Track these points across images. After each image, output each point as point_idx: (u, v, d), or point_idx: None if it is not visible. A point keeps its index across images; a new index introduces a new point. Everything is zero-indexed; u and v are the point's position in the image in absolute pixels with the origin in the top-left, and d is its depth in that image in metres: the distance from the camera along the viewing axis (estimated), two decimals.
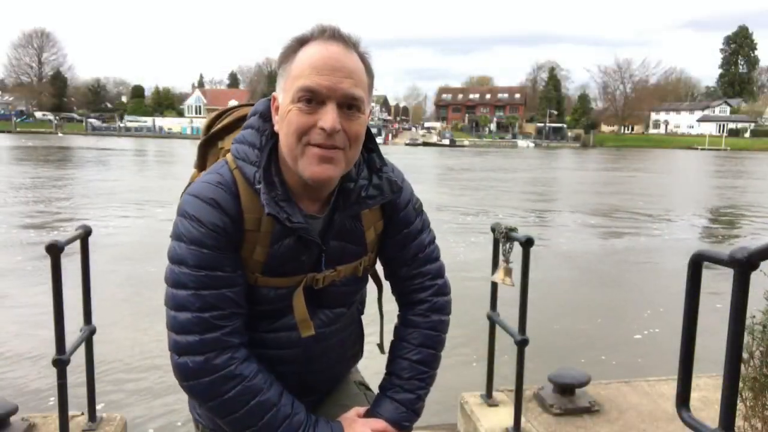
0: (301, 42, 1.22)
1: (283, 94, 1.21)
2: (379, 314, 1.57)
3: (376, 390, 1.50)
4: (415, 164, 35.35)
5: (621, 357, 5.99)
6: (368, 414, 1.40)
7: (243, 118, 1.35)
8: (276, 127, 1.25)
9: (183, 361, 1.22)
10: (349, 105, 1.19)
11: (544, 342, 5.77)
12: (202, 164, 1.43)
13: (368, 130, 1.31)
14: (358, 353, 1.61)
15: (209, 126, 1.45)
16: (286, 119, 1.19)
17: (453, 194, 20.91)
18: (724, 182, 28.58)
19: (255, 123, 1.29)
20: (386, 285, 1.54)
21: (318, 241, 1.28)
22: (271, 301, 1.30)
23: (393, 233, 1.42)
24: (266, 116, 1.29)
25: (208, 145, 1.43)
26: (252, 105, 1.36)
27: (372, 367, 1.80)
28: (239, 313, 1.25)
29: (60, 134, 72.24)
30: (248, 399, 1.23)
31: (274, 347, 1.34)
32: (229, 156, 1.28)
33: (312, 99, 1.17)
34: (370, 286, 1.55)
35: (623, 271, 10.18)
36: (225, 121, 1.42)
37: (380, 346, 1.61)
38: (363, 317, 1.59)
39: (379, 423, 1.37)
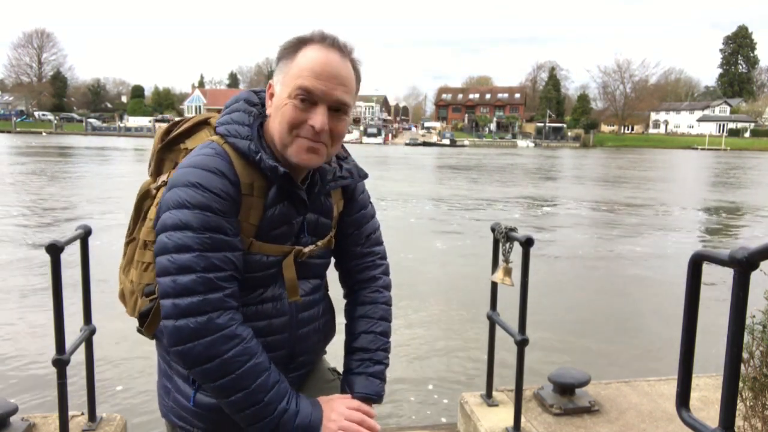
0: (303, 41, 1.34)
1: (281, 87, 1.34)
2: None
3: None
4: (416, 162, 35.17)
5: None
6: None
7: (203, 122, 1.46)
8: (268, 111, 1.39)
9: (182, 323, 1.25)
10: (337, 108, 1.34)
11: None
12: (157, 171, 1.48)
13: None
14: (333, 327, 1.67)
15: (168, 131, 1.49)
16: (281, 111, 1.33)
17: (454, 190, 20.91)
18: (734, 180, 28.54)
19: (241, 107, 1.41)
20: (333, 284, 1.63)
21: (304, 197, 1.40)
22: (264, 266, 1.38)
23: (352, 212, 1.58)
24: (251, 101, 1.43)
25: (166, 150, 1.47)
26: (205, 117, 1.47)
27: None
28: (237, 278, 1.33)
29: (44, 133, 71.64)
30: (246, 360, 1.28)
31: (264, 318, 1.41)
32: (215, 137, 1.37)
33: (306, 99, 1.31)
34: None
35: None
36: (184, 127, 1.47)
37: None
38: None
39: (353, 401, 1.44)
